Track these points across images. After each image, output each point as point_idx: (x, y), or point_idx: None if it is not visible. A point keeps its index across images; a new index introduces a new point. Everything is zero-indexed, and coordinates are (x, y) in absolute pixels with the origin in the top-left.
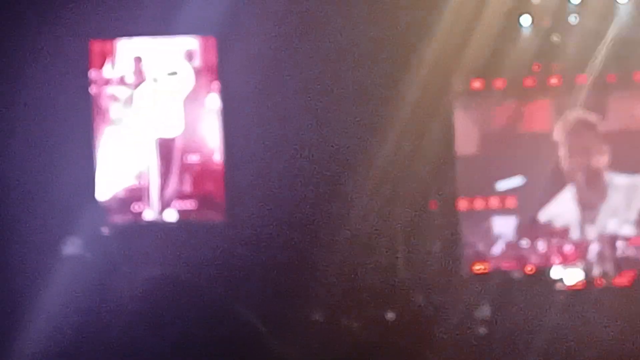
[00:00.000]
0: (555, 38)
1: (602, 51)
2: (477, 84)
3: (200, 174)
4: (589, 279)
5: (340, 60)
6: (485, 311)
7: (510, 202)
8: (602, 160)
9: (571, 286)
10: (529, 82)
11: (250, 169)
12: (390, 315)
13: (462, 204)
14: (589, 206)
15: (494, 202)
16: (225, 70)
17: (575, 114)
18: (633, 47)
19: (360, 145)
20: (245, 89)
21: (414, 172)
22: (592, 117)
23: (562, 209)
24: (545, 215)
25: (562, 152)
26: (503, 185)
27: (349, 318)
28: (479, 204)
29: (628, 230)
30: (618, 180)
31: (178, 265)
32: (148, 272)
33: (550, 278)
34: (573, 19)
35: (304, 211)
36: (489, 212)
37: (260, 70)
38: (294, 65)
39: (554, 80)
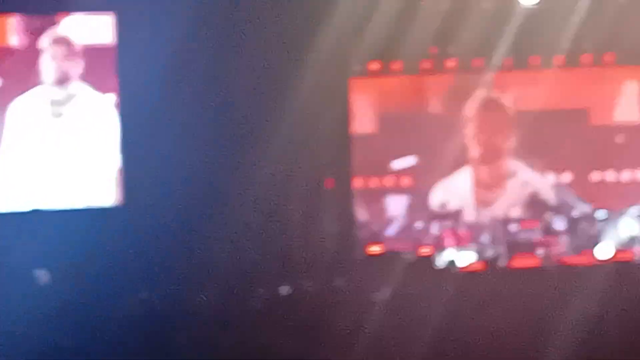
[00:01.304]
0: (452, 21)
1: (503, 34)
2: (374, 66)
3: None
4: (481, 262)
5: (240, 44)
6: (379, 293)
7: (406, 182)
8: (501, 143)
9: (464, 268)
10: (426, 64)
11: (149, 155)
12: (285, 296)
13: (358, 183)
14: (484, 188)
15: (389, 181)
16: (125, 51)
17: (473, 96)
18: (533, 30)
19: (258, 126)
20: (145, 73)
21: (310, 151)
22: (491, 100)
23: (457, 189)
24: (439, 195)
25: (460, 133)
26: (397, 164)
27: (246, 298)
28: (374, 183)
29: (521, 213)
30: (516, 165)
31: (76, 250)
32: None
33: (444, 260)
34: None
35: (201, 195)
36: (384, 192)
37: (162, 52)
38: (197, 48)
39: (450, 63)
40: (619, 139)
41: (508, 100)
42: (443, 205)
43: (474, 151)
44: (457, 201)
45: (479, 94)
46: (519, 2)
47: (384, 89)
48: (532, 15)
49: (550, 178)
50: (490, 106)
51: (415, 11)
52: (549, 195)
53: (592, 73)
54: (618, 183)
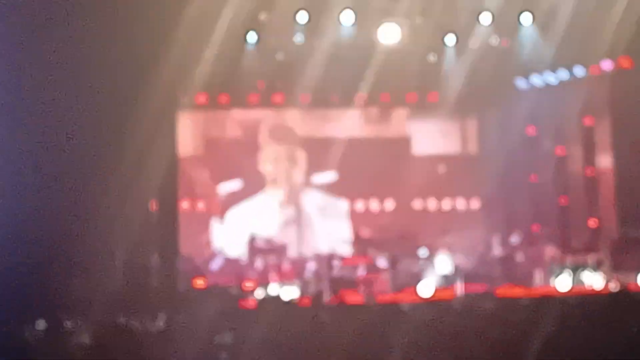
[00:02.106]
0: (280, 56)
1: (328, 71)
2: (201, 99)
3: None
4: (305, 297)
5: (74, 68)
6: (205, 328)
7: (227, 210)
8: (301, 171)
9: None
10: (253, 98)
11: None
12: (106, 332)
13: (183, 206)
14: (283, 216)
15: (214, 206)
16: None
17: (275, 122)
18: (359, 68)
19: (87, 151)
20: None
21: (138, 175)
22: (290, 128)
23: (254, 213)
24: (237, 218)
25: (264, 159)
26: (223, 188)
27: (71, 333)
28: (200, 207)
29: (344, 249)
30: (317, 194)
31: None
32: None
33: (268, 295)
34: (299, 39)
35: (18, 220)
36: (208, 218)
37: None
38: (34, 67)
39: (277, 98)
40: (441, 168)
41: (299, 127)
42: (269, 241)
43: (270, 177)
44: (280, 235)
45: (269, 121)
46: (345, 40)
47: (211, 118)
48: (357, 55)
49: (375, 205)
50: (279, 134)
51: (245, 45)
52: (347, 224)
53: (417, 106)
54: (439, 211)
